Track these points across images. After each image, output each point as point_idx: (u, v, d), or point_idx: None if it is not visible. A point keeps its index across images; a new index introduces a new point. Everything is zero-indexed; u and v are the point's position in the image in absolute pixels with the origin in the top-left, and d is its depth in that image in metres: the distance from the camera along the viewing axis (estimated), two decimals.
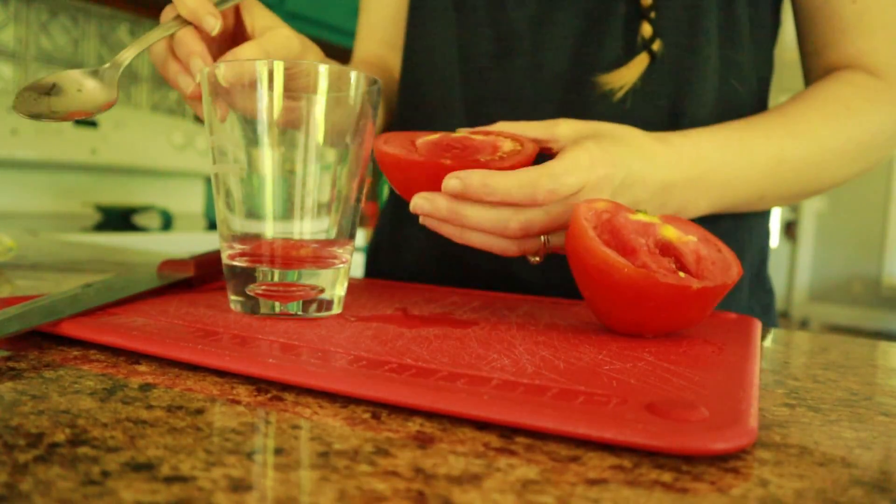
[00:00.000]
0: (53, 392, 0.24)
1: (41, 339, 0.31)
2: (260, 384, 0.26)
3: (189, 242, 1.32)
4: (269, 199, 0.35)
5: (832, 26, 0.50)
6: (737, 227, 0.54)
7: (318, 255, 0.36)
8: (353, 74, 0.35)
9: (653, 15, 0.49)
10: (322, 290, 0.36)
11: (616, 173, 0.38)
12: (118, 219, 1.56)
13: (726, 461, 0.20)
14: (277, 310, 0.36)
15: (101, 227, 1.40)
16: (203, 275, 0.45)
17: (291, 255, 0.36)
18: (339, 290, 0.37)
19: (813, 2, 0.51)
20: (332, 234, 0.37)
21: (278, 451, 0.19)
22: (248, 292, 0.36)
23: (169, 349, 0.28)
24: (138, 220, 1.57)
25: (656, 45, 0.49)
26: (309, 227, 0.36)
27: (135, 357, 0.29)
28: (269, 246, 0.35)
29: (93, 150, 1.61)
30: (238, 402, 0.24)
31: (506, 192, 0.35)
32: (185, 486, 0.17)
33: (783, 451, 0.21)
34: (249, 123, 0.35)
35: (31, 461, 0.18)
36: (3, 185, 1.53)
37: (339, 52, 2.19)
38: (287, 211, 0.35)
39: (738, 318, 0.42)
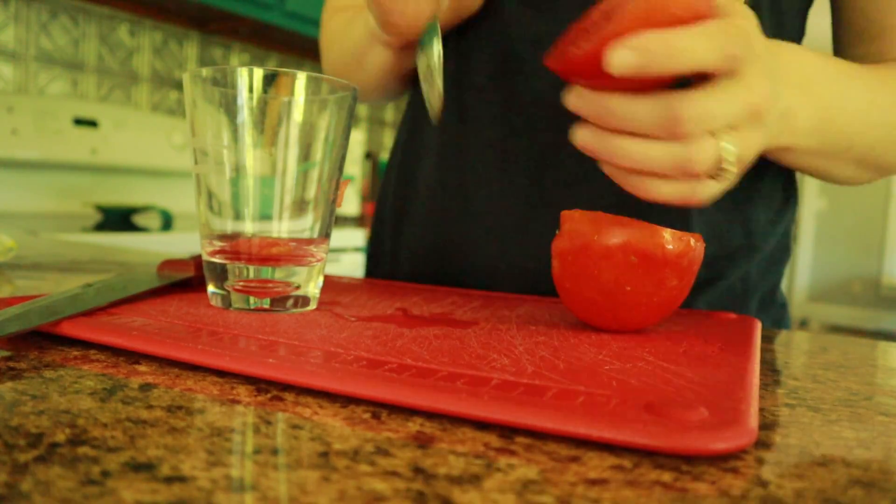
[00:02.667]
0: (53, 392, 0.24)
1: (41, 339, 0.31)
2: (260, 384, 0.26)
3: (189, 242, 1.32)
4: (249, 200, 0.36)
5: (883, 40, 0.49)
6: (746, 244, 0.53)
7: (293, 253, 0.38)
8: (330, 81, 0.37)
9: None
10: (297, 287, 0.38)
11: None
12: (118, 219, 1.56)
13: (726, 461, 0.20)
14: (252, 304, 0.37)
15: (101, 227, 1.40)
16: (203, 275, 0.45)
17: (266, 253, 0.37)
18: (313, 287, 0.39)
19: (867, 15, 0.50)
20: (309, 234, 0.38)
21: (278, 451, 0.19)
22: (226, 287, 0.37)
23: (169, 349, 0.28)
24: (138, 220, 1.57)
25: None
26: (287, 227, 0.37)
27: (135, 357, 0.29)
28: (247, 244, 0.37)
29: (93, 150, 1.61)
30: (238, 402, 0.24)
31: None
32: (185, 486, 0.17)
33: (783, 451, 0.21)
34: (231, 126, 0.36)
35: (32, 461, 0.18)
36: (3, 185, 1.53)
37: None
38: (265, 211, 0.36)
39: (738, 318, 0.42)
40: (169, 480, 0.17)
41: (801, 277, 4.98)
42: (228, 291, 0.37)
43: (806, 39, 0.55)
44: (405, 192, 0.61)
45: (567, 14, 0.49)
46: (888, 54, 0.50)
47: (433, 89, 0.38)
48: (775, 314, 0.57)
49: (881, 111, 0.45)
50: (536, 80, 0.51)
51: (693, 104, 0.31)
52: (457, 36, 0.55)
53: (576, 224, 0.35)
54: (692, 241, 0.34)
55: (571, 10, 0.49)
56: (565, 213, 0.37)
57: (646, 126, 0.32)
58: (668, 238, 0.33)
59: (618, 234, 0.34)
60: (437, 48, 0.37)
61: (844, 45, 0.53)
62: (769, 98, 0.34)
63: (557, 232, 0.38)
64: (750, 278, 0.54)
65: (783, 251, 0.57)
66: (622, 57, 0.29)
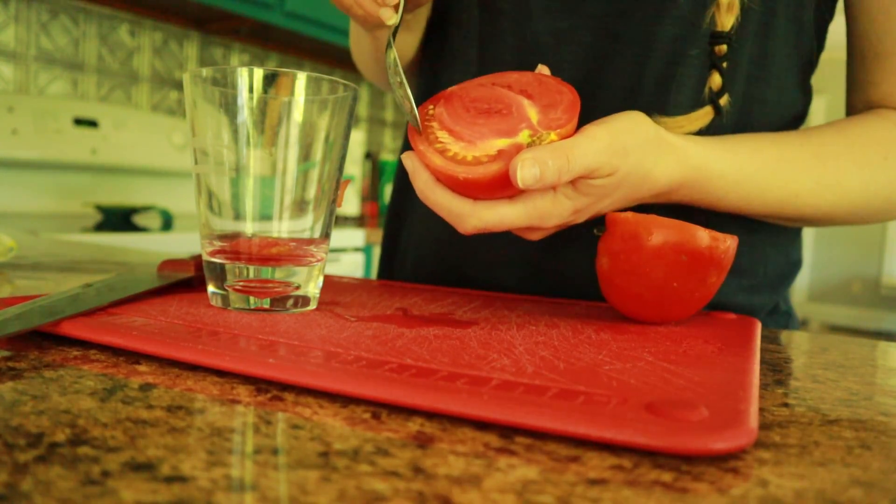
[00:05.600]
0: (54, 392, 0.24)
1: (41, 339, 0.31)
2: (260, 384, 0.26)
3: (189, 242, 1.32)
4: (249, 200, 0.36)
5: (881, 66, 0.49)
6: (753, 260, 0.52)
7: (293, 253, 0.38)
8: (330, 81, 0.37)
9: (724, 65, 0.47)
10: (297, 287, 0.38)
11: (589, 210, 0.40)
12: (118, 219, 1.56)
13: (726, 461, 0.20)
14: (252, 304, 0.37)
15: (101, 227, 1.40)
16: (203, 275, 0.45)
17: (266, 253, 0.37)
18: (313, 287, 0.39)
19: (867, 38, 0.50)
20: (309, 234, 0.38)
21: (278, 451, 0.19)
22: (226, 287, 0.37)
23: (169, 349, 0.28)
24: (138, 220, 1.57)
25: (724, 100, 0.47)
26: (287, 227, 0.37)
27: (135, 357, 0.29)
28: (247, 244, 0.37)
29: (93, 150, 1.61)
30: (238, 402, 0.24)
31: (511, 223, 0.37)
32: (185, 486, 0.17)
33: (783, 451, 0.21)
34: (231, 126, 0.36)
35: (32, 461, 0.18)
36: (3, 185, 1.53)
37: (340, 52, 2.19)
38: (265, 211, 0.37)
39: (738, 318, 0.42)
40: (169, 480, 0.17)
41: (801, 277, 4.97)
42: (228, 291, 0.37)
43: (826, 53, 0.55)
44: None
45: (592, 9, 0.49)
46: (881, 85, 0.50)
47: (399, 89, 0.39)
48: (779, 321, 0.57)
49: (803, 204, 0.46)
50: (557, 72, 0.51)
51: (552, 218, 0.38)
52: (480, 26, 0.54)
53: (627, 225, 0.38)
54: (728, 241, 0.37)
55: (596, 5, 0.49)
56: (612, 215, 0.39)
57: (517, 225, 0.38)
58: (711, 238, 0.36)
59: (668, 234, 0.36)
60: (392, 54, 0.39)
61: (851, 69, 0.53)
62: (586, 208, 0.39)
63: (597, 230, 0.40)
64: (757, 292, 0.53)
65: (791, 266, 0.56)
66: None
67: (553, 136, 0.36)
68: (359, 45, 0.64)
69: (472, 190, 0.36)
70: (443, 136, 0.37)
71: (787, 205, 0.46)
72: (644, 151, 0.39)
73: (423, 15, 0.57)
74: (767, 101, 0.50)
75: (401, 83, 0.38)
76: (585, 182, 0.37)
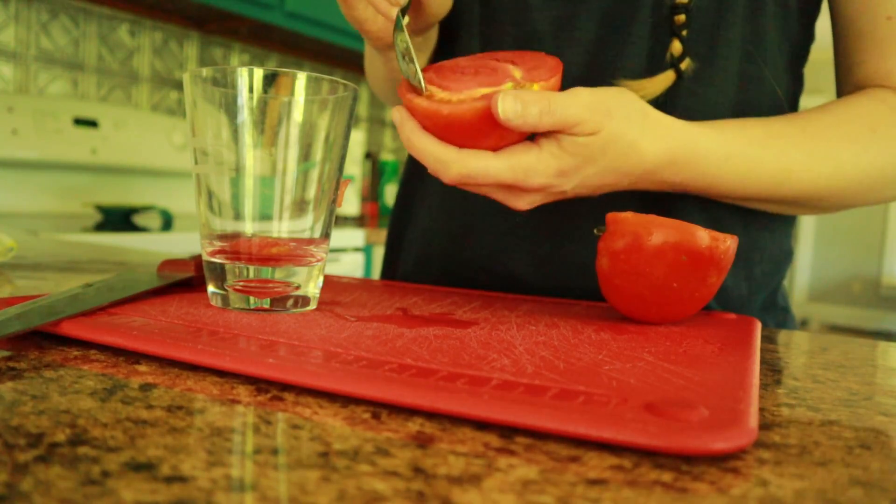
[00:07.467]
0: (54, 392, 0.24)
1: (41, 339, 0.31)
2: (260, 384, 0.26)
3: (189, 242, 1.32)
4: (249, 200, 0.36)
5: (865, 43, 0.49)
6: (748, 246, 0.53)
7: (293, 253, 0.38)
8: (330, 81, 0.37)
9: (684, 33, 0.48)
10: (297, 287, 0.38)
11: (567, 184, 0.40)
12: (118, 219, 1.56)
13: (726, 461, 0.20)
14: (252, 304, 0.37)
15: (101, 227, 1.40)
16: (203, 275, 0.45)
17: (266, 253, 0.37)
18: (313, 287, 0.39)
19: (847, 17, 0.50)
20: (309, 234, 0.38)
21: (278, 451, 0.19)
22: (226, 287, 0.37)
23: (169, 349, 0.28)
24: (138, 220, 1.57)
25: (685, 65, 0.48)
26: (287, 227, 0.37)
27: (135, 357, 0.29)
28: (247, 244, 0.37)
29: (93, 150, 1.61)
30: (238, 402, 0.24)
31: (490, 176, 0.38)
32: (185, 486, 0.17)
33: (783, 451, 0.21)
34: (231, 126, 0.36)
35: (32, 461, 0.18)
36: (3, 185, 1.53)
37: (339, 52, 2.19)
38: (265, 211, 0.37)
39: (738, 318, 0.42)
40: (169, 480, 0.17)
41: (801, 277, 4.98)
42: (228, 291, 0.37)
43: (815, 45, 0.55)
44: (419, 176, 0.62)
45: None
46: (865, 64, 0.50)
47: (409, 68, 0.40)
48: (777, 317, 0.57)
49: (795, 182, 0.46)
50: (558, 57, 0.51)
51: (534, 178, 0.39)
52: (480, 24, 0.55)
53: (627, 225, 0.38)
54: (728, 241, 0.37)
55: None
56: (612, 215, 0.39)
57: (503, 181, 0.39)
58: (711, 238, 0.36)
59: (668, 234, 0.36)
60: (404, 35, 0.40)
61: (837, 54, 0.53)
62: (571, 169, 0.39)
63: (597, 230, 0.40)
64: (752, 280, 0.53)
65: (785, 255, 0.56)
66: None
67: (536, 87, 0.38)
68: (373, 67, 0.65)
69: (455, 132, 0.37)
70: (431, 88, 0.39)
71: (783, 183, 0.45)
72: (629, 120, 0.39)
73: (431, 40, 0.57)
74: (763, 78, 0.50)
75: (411, 60, 0.39)
76: (570, 139, 0.37)
